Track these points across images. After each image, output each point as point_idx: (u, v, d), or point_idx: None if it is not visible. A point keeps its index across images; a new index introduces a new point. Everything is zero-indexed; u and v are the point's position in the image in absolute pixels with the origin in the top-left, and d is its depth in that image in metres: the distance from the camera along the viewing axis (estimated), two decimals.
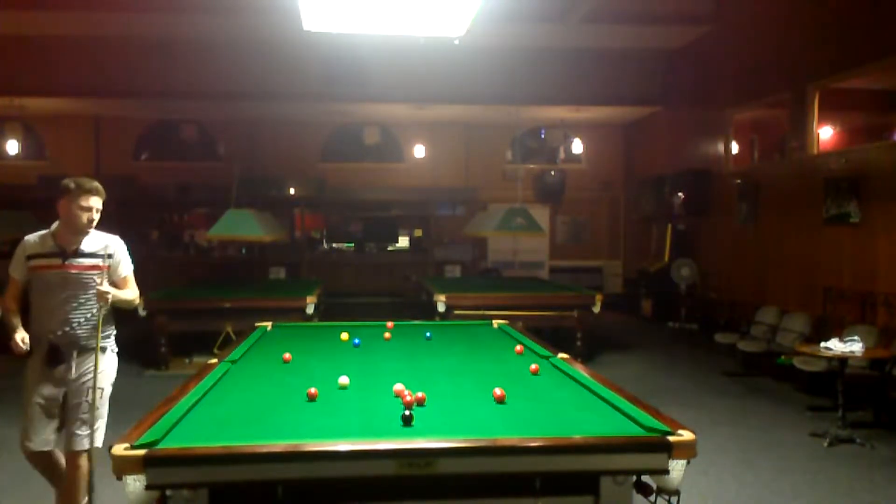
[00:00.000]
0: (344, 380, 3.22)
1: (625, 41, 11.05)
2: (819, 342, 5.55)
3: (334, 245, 14.32)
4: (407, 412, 2.59)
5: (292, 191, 12.83)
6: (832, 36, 7.64)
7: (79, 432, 3.39)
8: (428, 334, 4.79)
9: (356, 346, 4.41)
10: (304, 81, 11.41)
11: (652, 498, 2.47)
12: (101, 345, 3.41)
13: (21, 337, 3.31)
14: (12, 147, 12.05)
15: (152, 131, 13.66)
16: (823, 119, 8.30)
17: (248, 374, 3.53)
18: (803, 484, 4.44)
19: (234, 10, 9.49)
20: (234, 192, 9.80)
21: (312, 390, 2.99)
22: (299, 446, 2.24)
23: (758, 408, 6.31)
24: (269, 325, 5.08)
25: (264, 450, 2.20)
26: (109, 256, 3.44)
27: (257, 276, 12.28)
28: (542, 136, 14.28)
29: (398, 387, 3.01)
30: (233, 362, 3.72)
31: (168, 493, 2.24)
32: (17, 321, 3.40)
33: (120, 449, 2.20)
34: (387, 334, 4.84)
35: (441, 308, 7.37)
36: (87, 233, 3.42)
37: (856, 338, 5.38)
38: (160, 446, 2.26)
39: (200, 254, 13.33)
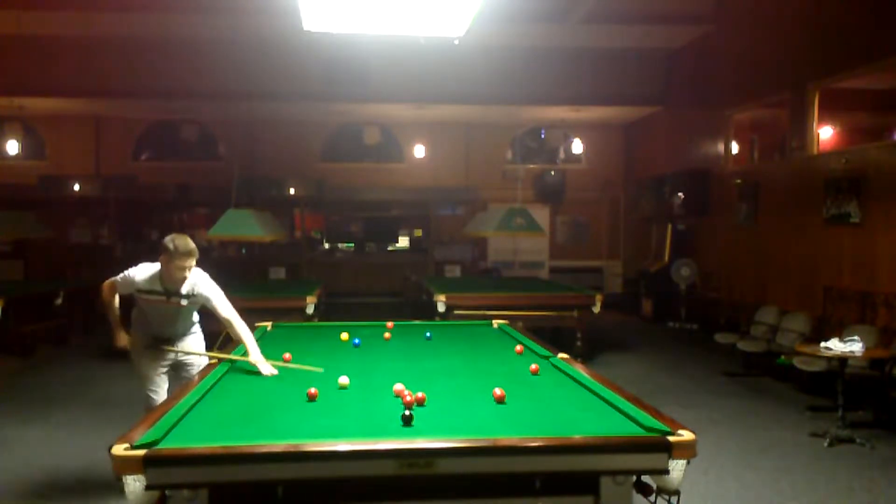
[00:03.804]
0: (344, 380, 3.22)
1: (625, 41, 11.05)
2: (819, 342, 5.55)
3: (334, 245, 14.31)
4: (407, 412, 2.59)
5: (292, 191, 12.82)
6: (832, 36, 7.65)
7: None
8: (428, 334, 4.79)
9: (356, 346, 4.41)
10: (305, 81, 11.41)
11: (652, 498, 2.47)
12: (195, 333, 4.38)
13: (123, 343, 4.21)
14: (12, 147, 12.04)
15: (152, 131, 13.65)
16: (823, 119, 8.29)
17: (247, 375, 3.54)
18: (803, 484, 4.43)
19: (234, 10, 9.49)
20: (234, 192, 9.79)
21: (312, 390, 3.00)
22: (299, 446, 2.24)
23: (758, 408, 6.31)
24: (269, 325, 5.09)
25: (264, 450, 2.20)
26: (193, 295, 4.07)
27: (257, 276, 12.28)
28: (542, 136, 14.28)
29: (398, 387, 3.01)
30: (233, 362, 3.72)
31: (168, 493, 2.24)
32: (117, 320, 4.20)
33: (120, 449, 2.20)
34: (387, 334, 4.84)
35: (441, 308, 7.36)
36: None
37: (856, 338, 5.38)
38: (160, 446, 2.26)
39: (200, 254, 13.27)
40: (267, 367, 3.54)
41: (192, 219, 14.16)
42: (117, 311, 4.20)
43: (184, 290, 4.04)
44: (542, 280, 11.39)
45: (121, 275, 4.10)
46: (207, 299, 4.04)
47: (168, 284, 4.00)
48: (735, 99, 9.69)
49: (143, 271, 4.05)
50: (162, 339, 4.20)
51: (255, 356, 3.64)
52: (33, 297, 8.42)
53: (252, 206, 10.27)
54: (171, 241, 3.90)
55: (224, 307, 4.01)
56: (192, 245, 3.94)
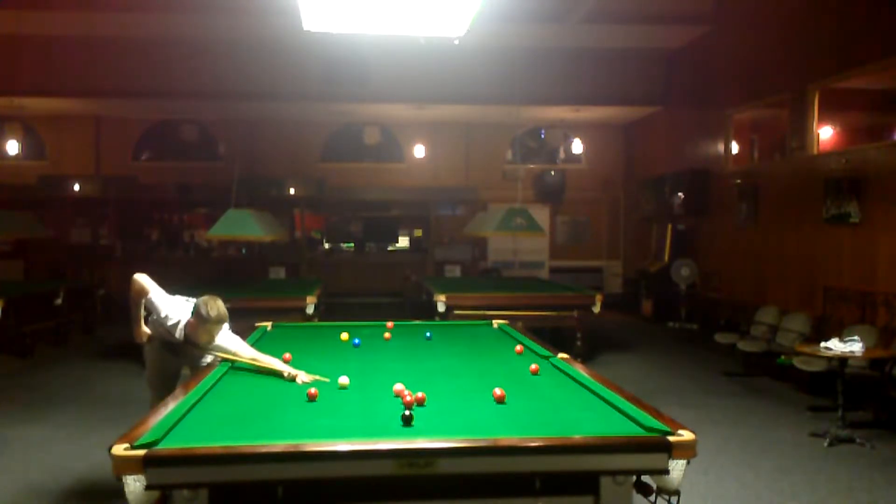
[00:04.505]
0: (344, 380, 3.22)
1: (625, 41, 11.05)
2: (819, 342, 5.55)
3: (334, 245, 14.31)
4: (407, 412, 2.59)
5: (292, 191, 12.82)
6: (832, 36, 7.65)
7: None
8: (428, 334, 4.79)
9: (356, 346, 4.41)
10: (305, 81, 11.42)
11: (652, 498, 2.47)
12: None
13: (142, 340, 4.19)
14: (12, 147, 12.03)
15: (152, 131, 13.64)
16: (823, 119, 8.29)
17: (248, 375, 3.54)
18: (803, 484, 4.43)
19: (234, 10, 9.49)
20: (234, 192, 9.79)
21: (312, 390, 3.00)
22: (299, 446, 2.24)
23: (758, 408, 6.31)
24: (269, 325, 5.09)
25: (264, 450, 2.21)
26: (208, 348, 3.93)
27: (257, 276, 12.27)
28: (542, 136, 14.28)
29: (398, 387, 3.01)
30: (233, 362, 3.72)
31: (168, 492, 2.24)
32: (139, 318, 4.15)
33: (120, 449, 2.20)
34: (387, 334, 4.84)
35: (441, 308, 7.36)
36: None
37: (856, 338, 5.38)
38: (160, 446, 2.26)
39: (200, 254, 13.34)
40: (303, 375, 3.41)
41: (192, 219, 14.17)
42: (141, 311, 4.14)
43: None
44: (542, 280, 11.39)
45: (153, 291, 4.01)
46: (225, 349, 3.84)
47: (190, 336, 3.88)
48: (735, 99, 9.69)
49: (173, 312, 3.92)
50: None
51: (289, 370, 3.49)
52: (33, 297, 8.42)
53: (252, 206, 10.26)
54: (204, 306, 3.65)
55: (244, 351, 3.83)
56: (224, 312, 3.71)
